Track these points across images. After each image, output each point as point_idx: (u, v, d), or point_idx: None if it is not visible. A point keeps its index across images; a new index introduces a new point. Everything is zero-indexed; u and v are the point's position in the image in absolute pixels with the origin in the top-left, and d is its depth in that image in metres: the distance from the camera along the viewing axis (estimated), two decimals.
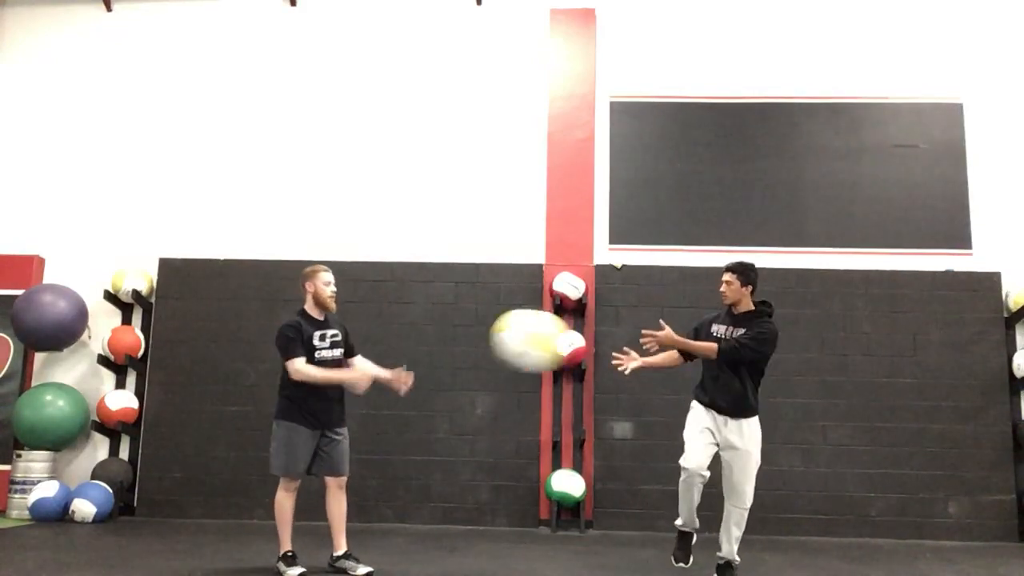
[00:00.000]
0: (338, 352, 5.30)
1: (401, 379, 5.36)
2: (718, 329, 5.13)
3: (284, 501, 5.19)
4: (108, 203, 8.68)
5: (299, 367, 5.07)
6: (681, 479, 5.03)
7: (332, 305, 5.31)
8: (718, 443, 5.05)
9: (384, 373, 5.38)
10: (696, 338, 5.21)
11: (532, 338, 5.07)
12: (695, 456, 4.97)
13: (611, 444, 7.92)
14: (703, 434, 5.03)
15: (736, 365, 5.02)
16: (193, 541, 6.58)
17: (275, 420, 5.21)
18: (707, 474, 4.99)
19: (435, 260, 8.35)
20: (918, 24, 8.67)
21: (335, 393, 5.23)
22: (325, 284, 5.28)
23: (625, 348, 5.24)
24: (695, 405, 5.17)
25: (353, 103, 8.77)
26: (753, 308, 5.12)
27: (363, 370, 5.31)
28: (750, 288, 5.11)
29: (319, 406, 5.15)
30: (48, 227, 8.66)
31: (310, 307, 5.29)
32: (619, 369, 5.21)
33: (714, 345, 5.00)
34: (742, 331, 5.03)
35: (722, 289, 5.14)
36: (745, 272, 5.10)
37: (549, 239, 8.36)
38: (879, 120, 8.52)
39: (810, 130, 8.52)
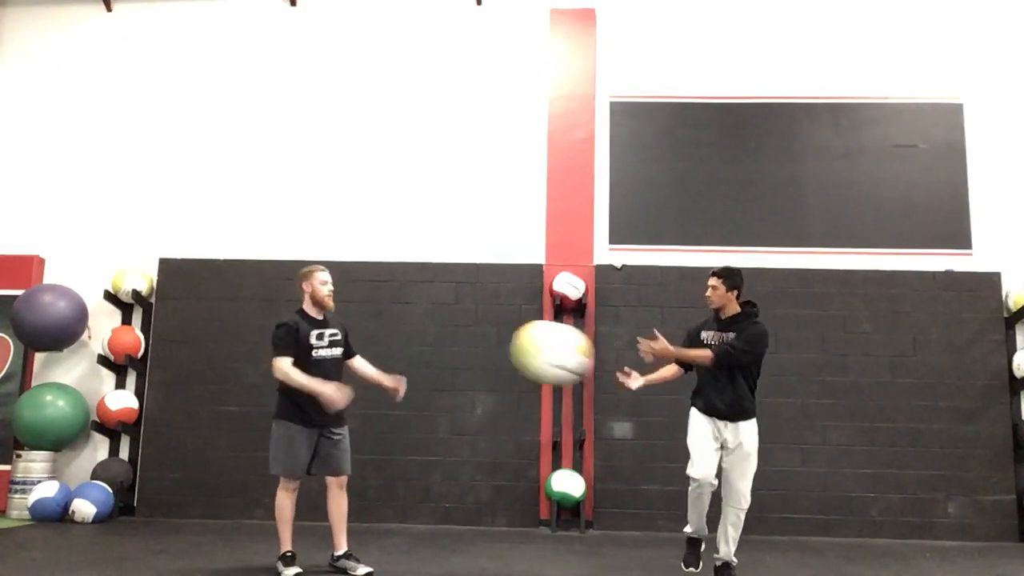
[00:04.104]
0: (337, 351, 5.30)
1: (398, 386, 5.36)
2: (706, 335, 5.18)
3: (284, 501, 5.20)
4: (108, 203, 8.68)
5: (282, 366, 5.06)
6: (690, 489, 5.09)
7: (330, 304, 5.31)
8: (721, 447, 5.07)
9: (384, 378, 5.39)
10: (689, 346, 5.27)
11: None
12: (703, 466, 5.00)
13: (611, 444, 7.92)
14: (707, 442, 5.05)
15: (731, 369, 5.05)
16: (193, 541, 6.57)
17: (274, 419, 5.21)
18: (716, 482, 5.04)
19: (435, 260, 8.35)
20: (918, 24, 8.67)
21: None
22: (322, 284, 5.28)
23: (626, 368, 5.25)
24: (693, 412, 5.19)
25: (353, 103, 8.77)
26: (739, 311, 5.17)
27: (343, 388, 5.09)
28: (735, 292, 5.17)
29: (315, 406, 5.11)
30: (48, 227, 8.66)
31: (308, 307, 5.31)
32: (625, 388, 5.22)
33: (709, 352, 5.03)
34: (731, 335, 5.07)
35: (707, 294, 5.20)
36: (730, 277, 5.16)
37: (549, 239, 8.36)
38: (879, 120, 8.52)
39: (810, 130, 8.52)
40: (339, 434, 5.25)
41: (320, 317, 5.31)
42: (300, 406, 5.11)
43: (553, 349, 4.94)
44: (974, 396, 7.88)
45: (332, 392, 5.01)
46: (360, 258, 8.24)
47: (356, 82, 8.82)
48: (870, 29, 8.67)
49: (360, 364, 5.46)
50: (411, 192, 8.57)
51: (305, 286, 5.31)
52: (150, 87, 8.90)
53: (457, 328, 8.21)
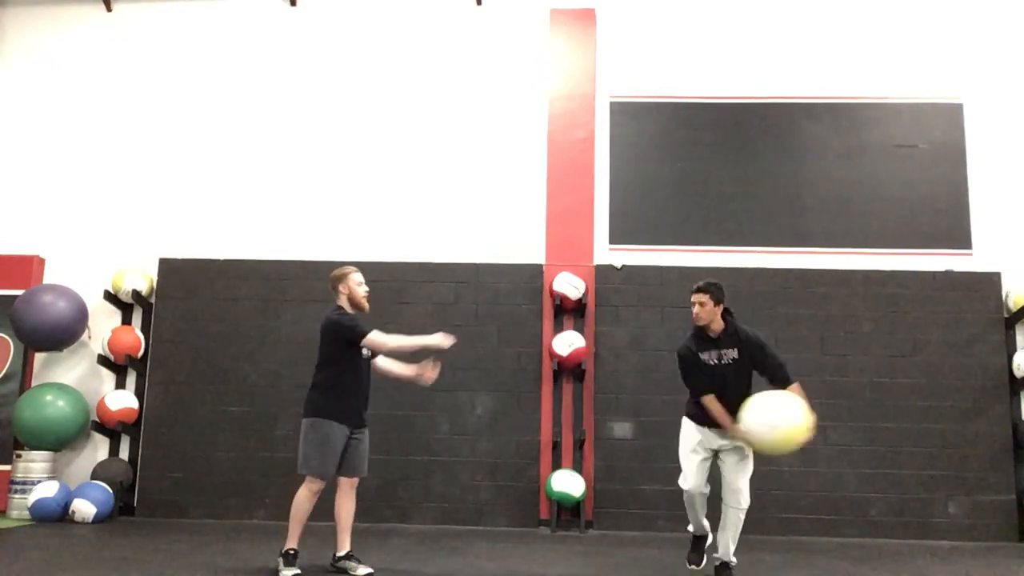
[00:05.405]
0: (367, 352, 5.25)
1: (424, 372, 5.28)
2: (709, 356, 5.07)
3: (305, 500, 5.12)
4: (108, 203, 8.68)
5: (377, 337, 5.00)
6: (684, 498, 5.17)
7: (366, 305, 5.27)
8: (715, 451, 5.10)
9: (408, 371, 5.35)
10: (692, 375, 5.12)
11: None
12: (692, 477, 5.09)
13: (611, 444, 7.92)
14: (696, 453, 5.12)
15: (736, 382, 5.02)
16: (193, 541, 6.57)
17: (305, 417, 5.12)
18: (707, 490, 5.13)
19: (435, 260, 8.35)
20: (918, 24, 8.67)
21: (366, 391, 5.22)
22: (358, 284, 5.26)
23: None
24: (685, 422, 5.21)
25: (353, 103, 8.77)
26: (725, 324, 5.10)
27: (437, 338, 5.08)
28: (721, 306, 5.09)
29: (354, 403, 5.13)
30: (48, 227, 8.66)
31: (346, 308, 5.25)
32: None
33: (803, 403, 4.91)
34: (731, 351, 5.05)
35: (695, 311, 5.07)
36: (715, 291, 5.07)
37: (549, 239, 8.36)
38: (879, 120, 8.51)
39: (810, 130, 8.52)
40: (361, 436, 5.25)
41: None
42: (339, 403, 5.08)
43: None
44: (974, 396, 7.87)
45: (439, 337, 5.03)
46: (360, 258, 8.18)
47: (356, 82, 8.82)
48: (870, 29, 8.67)
49: (384, 363, 5.40)
50: (411, 192, 8.57)
51: (342, 288, 5.25)
52: (150, 87, 8.90)
53: (457, 328, 8.11)
